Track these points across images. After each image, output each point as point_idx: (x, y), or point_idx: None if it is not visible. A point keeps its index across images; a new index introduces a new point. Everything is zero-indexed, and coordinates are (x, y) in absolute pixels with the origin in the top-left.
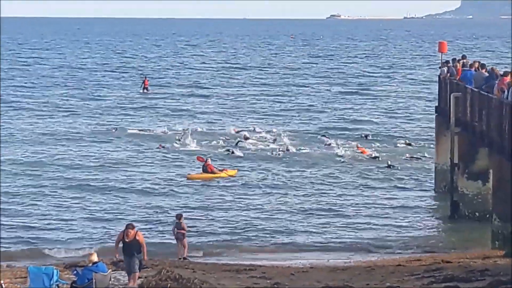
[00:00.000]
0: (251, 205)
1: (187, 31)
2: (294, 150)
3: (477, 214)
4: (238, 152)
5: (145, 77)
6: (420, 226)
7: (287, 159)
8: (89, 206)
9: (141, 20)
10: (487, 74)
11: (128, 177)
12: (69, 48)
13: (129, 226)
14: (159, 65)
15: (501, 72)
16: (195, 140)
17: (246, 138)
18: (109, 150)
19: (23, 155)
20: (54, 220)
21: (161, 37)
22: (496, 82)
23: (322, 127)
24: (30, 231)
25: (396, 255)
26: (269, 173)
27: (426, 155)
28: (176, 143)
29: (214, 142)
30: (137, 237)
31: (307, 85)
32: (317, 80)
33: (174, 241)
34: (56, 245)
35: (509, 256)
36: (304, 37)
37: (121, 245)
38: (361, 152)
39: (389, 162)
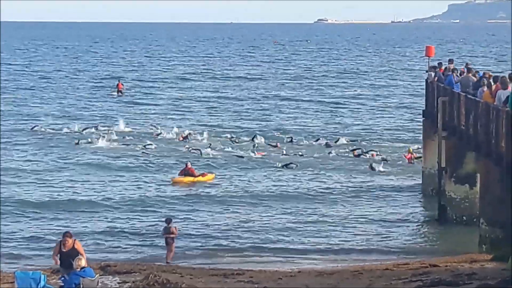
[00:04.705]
0: (238, 209)
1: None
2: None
3: (464, 218)
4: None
5: (119, 81)
6: (407, 230)
7: (265, 163)
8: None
9: (130, 24)
10: (474, 78)
11: (103, 182)
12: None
13: (67, 235)
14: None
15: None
16: (113, 139)
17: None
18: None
19: None
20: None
21: (139, 41)
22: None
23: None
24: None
25: (384, 259)
26: (251, 177)
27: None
28: (92, 140)
29: (132, 143)
30: (75, 246)
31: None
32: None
33: (161, 246)
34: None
35: (496, 260)
36: (289, 42)
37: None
38: (261, 155)
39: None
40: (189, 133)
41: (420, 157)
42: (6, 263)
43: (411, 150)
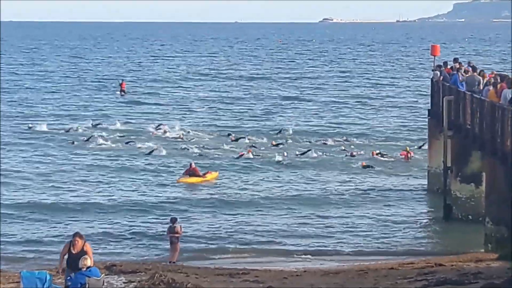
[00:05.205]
0: (242, 209)
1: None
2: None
3: (470, 217)
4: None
5: (122, 80)
6: (413, 229)
7: (267, 163)
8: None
9: (131, 24)
10: (479, 77)
11: (108, 182)
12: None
13: (77, 235)
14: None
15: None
16: (115, 139)
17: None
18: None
19: None
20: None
21: (143, 40)
22: (489, 87)
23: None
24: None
25: (389, 258)
26: (254, 177)
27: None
28: (95, 141)
29: (134, 143)
30: (85, 249)
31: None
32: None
33: (167, 245)
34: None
35: (502, 259)
36: (294, 41)
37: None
38: (241, 155)
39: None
40: (190, 133)
41: (413, 156)
42: (7, 264)
43: (408, 148)
